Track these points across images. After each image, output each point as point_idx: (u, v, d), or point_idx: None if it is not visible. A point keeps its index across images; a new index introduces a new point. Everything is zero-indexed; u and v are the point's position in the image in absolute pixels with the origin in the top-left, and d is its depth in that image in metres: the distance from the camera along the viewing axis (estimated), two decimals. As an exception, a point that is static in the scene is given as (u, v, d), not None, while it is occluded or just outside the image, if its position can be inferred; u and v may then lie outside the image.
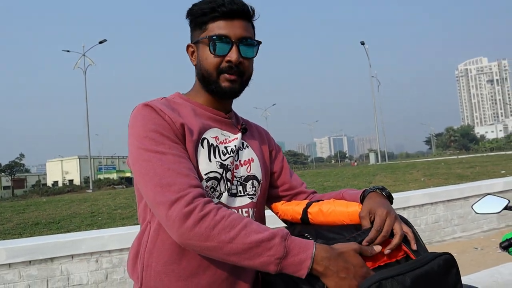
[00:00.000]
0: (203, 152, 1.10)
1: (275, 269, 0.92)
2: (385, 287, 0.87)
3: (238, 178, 1.16)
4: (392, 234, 1.01)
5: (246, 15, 1.14)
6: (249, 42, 1.13)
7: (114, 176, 66.96)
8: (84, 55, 35.09)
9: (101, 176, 64.39)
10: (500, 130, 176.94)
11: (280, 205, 1.31)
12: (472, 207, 2.16)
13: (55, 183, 68.82)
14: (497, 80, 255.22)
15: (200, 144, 1.10)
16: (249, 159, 1.21)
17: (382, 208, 1.04)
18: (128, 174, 71.77)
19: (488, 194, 2.17)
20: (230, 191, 1.13)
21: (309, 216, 1.19)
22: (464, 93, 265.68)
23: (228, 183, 1.13)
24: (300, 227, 1.20)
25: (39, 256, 3.87)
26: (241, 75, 1.14)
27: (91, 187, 33.85)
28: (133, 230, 4.37)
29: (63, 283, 3.98)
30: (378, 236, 0.99)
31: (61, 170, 75.68)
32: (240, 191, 1.16)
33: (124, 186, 39.67)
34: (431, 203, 5.96)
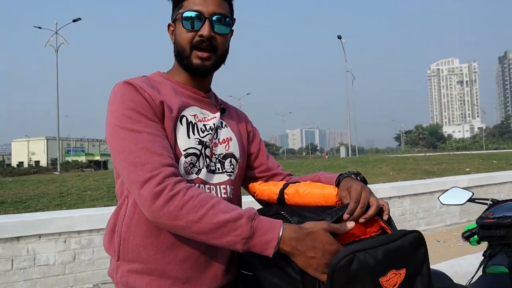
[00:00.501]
0: (181, 129, 1.12)
1: (242, 248, 0.95)
2: (358, 258, 0.90)
3: (216, 156, 1.19)
4: (368, 208, 1.05)
5: None
6: (222, 18, 1.15)
7: (82, 159, 65.54)
8: (56, 32, 33.97)
9: (69, 159, 62.91)
10: (467, 131, 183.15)
11: (257, 185, 1.34)
12: (438, 198, 2.23)
13: (21, 163, 66.65)
14: (466, 81, 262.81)
15: (179, 121, 1.12)
16: (227, 138, 1.24)
17: (357, 184, 1.09)
18: (97, 158, 70.39)
19: (455, 186, 2.25)
20: (209, 168, 1.16)
21: (286, 196, 1.22)
22: (435, 93, 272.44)
23: (207, 159, 1.16)
24: (277, 206, 1.22)
25: (4, 234, 3.79)
26: (215, 50, 1.16)
27: (58, 169, 33.07)
28: (104, 211, 4.34)
29: (29, 263, 3.91)
30: (357, 208, 1.03)
31: (27, 150, 73.32)
32: (218, 168, 1.19)
33: (93, 170, 38.90)
34: (398, 196, 6.15)
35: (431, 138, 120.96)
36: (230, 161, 1.22)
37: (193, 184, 1.03)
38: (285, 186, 1.25)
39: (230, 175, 1.21)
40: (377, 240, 0.99)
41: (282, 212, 1.12)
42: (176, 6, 1.18)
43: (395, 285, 0.94)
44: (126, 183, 1.02)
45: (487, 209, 1.94)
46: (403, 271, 0.96)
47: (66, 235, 4.07)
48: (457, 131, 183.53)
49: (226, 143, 1.23)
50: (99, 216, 4.19)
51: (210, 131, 1.18)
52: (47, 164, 59.35)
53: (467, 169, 11.21)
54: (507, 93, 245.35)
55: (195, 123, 1.16)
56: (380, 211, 1.08)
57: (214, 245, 0.97)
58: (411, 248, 0.99)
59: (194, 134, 1.14)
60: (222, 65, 1.23)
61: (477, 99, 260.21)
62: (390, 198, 6.04)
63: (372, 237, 1.04)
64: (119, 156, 1.02)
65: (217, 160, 1.19)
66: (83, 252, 4.13)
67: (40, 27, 34.12)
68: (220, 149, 1.20)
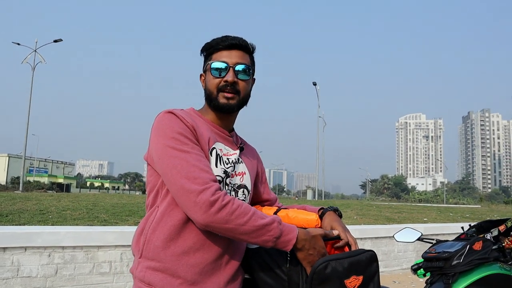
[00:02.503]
0: (212, 159, 1.35)
1: (271, 245, 1.23)
2: (331, 265, 1.25)
3: (232, 185, 1.42)
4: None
5: (244, 48, 1.43)
6: (244, 68, 1.40)
7: (45, 180, 63.52)
8: (35, 51, 33.83)
9: (31, 179, 60.75)
10: (430, 184, 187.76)
11: (255, 208, 1.71)
12: (393, 235, 2.67)
13: (-23, 180, 63.68)
14: (432, 136, 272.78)
15: (209, 153, 1.35)
16: (242, 172, 1.47)
17: (341, 226, 1.43)
18: (60, 180, 68.25)
19: (407, 227, 2.70)
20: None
21: None
22: (401, 145, 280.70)
23: (226, 187, 1.39)
24: None
25: (-9, 245, 3.90)
26: (238, 93, 1.40)
27: (20, 189, 32.03)
28: (88, 230, 4.52)
29: (12, 274, 4.03)
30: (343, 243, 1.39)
31: (-13, 167, 70.43)
32: (233, 195, 1.41)
33: (55, 192, 37.63)
34: (360, 239, 6.54)
35: (396, 188, 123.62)
36: (243, 191, 1.46)
37: (234, 197, 1.27)
38: (278, 210, 1.59)
39: None
40: (344, 254, 1.35)
41: None
42: (207, 58, 1.44)
43: (355, 286, 1.29)
44: (179, 193, 1.21)
45: (431, 246, 2.38)
46: (361, 277, 1.31)
47: (51, 250, 4.21)
48: (420, 183, 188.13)
49: (241, 176, 1.46)
50: (85, 234, 4.37)
51: (232, 164, 1.41)
52: (6, 182, 57.01)
53: (424, 219, 11.82)
54: (469, 151, 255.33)
55: (221, 156, 1.38)
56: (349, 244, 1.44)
57: (252, 242, 1.23)
58: (367, 262, 1.35)
59: (220, 165, 1.37)
60: (244, 107, 1.48)
61: (441, 155, 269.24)
62: (353, 239, 6.43)
63: None
64: (171, 171, 1.23)
65: (232, 189, 1.42)
66: (65, 267, 4.26)
67: (19, 43, 33.89)
68: (236, 180, 1.43)
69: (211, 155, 1.36)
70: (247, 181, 1.49)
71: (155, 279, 1.24)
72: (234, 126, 1.56)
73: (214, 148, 1.37)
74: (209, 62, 1.41)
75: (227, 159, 1.41)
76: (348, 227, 1.47)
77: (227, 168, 1.39)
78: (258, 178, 1.66)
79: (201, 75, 1.49)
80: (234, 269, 1.35)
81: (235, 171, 1.44)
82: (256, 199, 1.70)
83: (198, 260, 1.27)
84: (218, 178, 1.34)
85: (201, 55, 1.49)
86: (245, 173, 1.48)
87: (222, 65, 1.39)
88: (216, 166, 1.36)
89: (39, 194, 12.64)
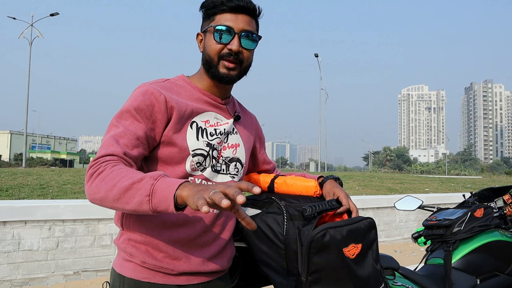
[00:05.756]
0: (191, 133, 1.25)
1: (149, 208, 0.97)
2: (329, 233, 1.21)
3: (224, 158, 1.32)
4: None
5: (251, 12, 1.27)
6: (250, 35, 1.26)
7: (48, 156, 63.79)
8: (32, 25, 33.31)
9: (34, 155, 61.00)
10: (432, 155, 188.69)
11: (252, 175, 1.63)
12: (394, 204, 2.63)
13: (-20, 157, 63.97)
14: (434, 108, 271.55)
15: (189, 126, 1.25)
16: (236, 144, 1.37)
17: (343, 192, 1.40)
18: (63, 156, 68.64)
19: (408, 195, 2.66)
20: (214, 168, 1.28)
21: (275, 185, 1.52)
22: (404, 117, 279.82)
23: (214, 160, 1.28)
24: (267, 193, 1.50)
25: (-9, 218, 3.93)
26: (240, 63, 1.27)
27: (23, 165, 32.17)
28: (89, 203, 4.52)
29: (13, 247, 4.09)
30: (344, 208, 1.35)
31: (-11, 144, 70.67)
32: (223, 169, 1.31)
33: (58, 167, 37.82)
34: (362, 209, 6.59)
35: (398, 160, 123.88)
36: (235, 165, 1.35)
37: (120, 163, 1.09)
38: (275, 177, 1.55)
39: (234, 177, 1.34)
40: (343, 221, 1.30)
41: (273, 197, 1.38)
42: (208, 18, 1.28)
43: (353, 255, 1.25)
44: None
45: (432, 214, 2.35)
46: (359, 245, 1.27)
47: (51, 223, 4.26)
48: (422, 155, 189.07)
49: (234, 148, 1.36)
50: (84, 207, 4.40)
51: (220, 135, 1.30)
52: (9, 159, 57.28)
53: (426, 189, 11.87)
54: (471, 122, 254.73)
55: (204, 128, 1.27)
56: (349, 211, 1.39)
57: (131, 211, 1.01)
58: (366, 229, 1.31)
59: (202, 137, 1.26)
60: (244, 76, 1.34)
61: (443, 126, 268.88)
62: (354, 210, 6.45)
63: None
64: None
65: (224, 162, 1.32)
66: (66, 240, 4.32)
67: (14, 18, 33.34)
68: (228, 153, 1.33)
69: (191, 129, 1.25)
70: (241, 153, 1.39)
71: (137, 251, 1.20)
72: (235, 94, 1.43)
73: (194, 121, 1.26)
74: (212, 25, 1.25)
75: (215, 130, 1.30)
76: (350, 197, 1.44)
77: (212, 140, 1.28)
78: (256, 148, 1.58)
79: (198, 34, 1.34)
80: (221, 246, 1.30)
81: (228, 143, 1.35)
82: (254, 169, 1.65)
83: (181, 236, 1.21)
84: (201, 152, 1.25)
85: (200, 11, 1.32)
86: (238, 145, 1.38)
87: (228, 30, 1.23)
88: (198, 139, 1.25)
89: (41, 169, 12.66)
